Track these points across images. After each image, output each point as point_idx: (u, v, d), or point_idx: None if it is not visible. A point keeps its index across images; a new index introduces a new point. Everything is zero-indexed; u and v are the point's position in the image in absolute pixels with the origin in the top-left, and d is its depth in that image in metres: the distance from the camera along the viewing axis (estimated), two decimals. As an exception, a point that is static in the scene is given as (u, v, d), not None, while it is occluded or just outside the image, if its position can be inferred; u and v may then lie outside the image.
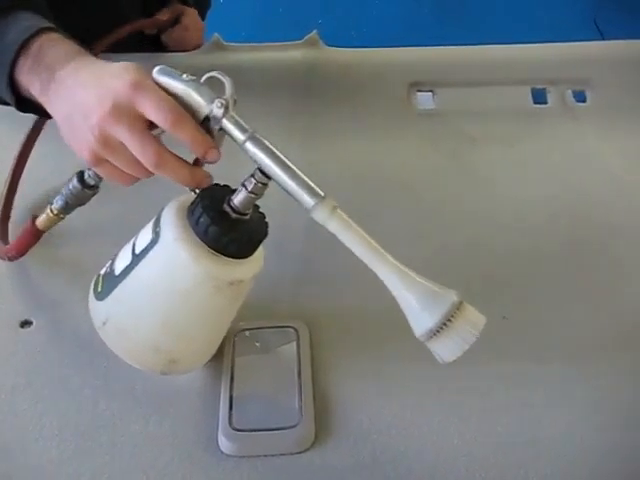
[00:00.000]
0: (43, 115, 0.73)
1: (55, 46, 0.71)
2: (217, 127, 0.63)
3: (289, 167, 0.62)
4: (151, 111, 0.62)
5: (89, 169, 0.72)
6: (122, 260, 0.67)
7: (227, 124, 0.63)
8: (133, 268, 0.65)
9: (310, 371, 0.74)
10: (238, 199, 0.64)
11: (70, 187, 0.73)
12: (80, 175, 0.73)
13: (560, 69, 1.16)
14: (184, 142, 0.63)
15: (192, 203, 0.64)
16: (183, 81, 0.63)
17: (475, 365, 0.75)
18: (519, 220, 0.94)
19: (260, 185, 0.63)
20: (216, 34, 1.13)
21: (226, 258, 0.63)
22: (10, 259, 0.84)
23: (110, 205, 0.95)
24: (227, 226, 0.63)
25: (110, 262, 0.69)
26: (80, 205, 0.76)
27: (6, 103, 0.77)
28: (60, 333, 0.80)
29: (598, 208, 0.97)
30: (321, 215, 0.61)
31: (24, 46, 0.71)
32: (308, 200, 0.61)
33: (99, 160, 0.65)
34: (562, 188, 1.00)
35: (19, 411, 0.72)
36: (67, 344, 0.79)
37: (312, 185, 0.62)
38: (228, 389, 0.72)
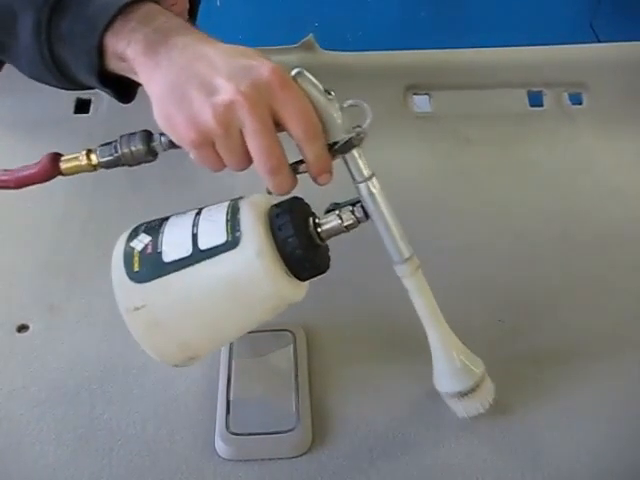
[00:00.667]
0: (120, 93, 0.67)
1: (166, 15, 0.62)
2: (340, 155, 0.61)
3: (393, 218, 0.64)
4: (292, 115, 0.57)
5: (163, 134, 0.62)
6: (176, 247, 0.60)
7: (354, 157, 0.61)
8: (194, 263, 0.59)
9: (307, 375, 0.74)
10: (328, 228, 0.63)
11: (131, 146, 0.63)
12: (147, 137, 0.63)
13: (556, 72, 1.17)
14: (305, 157, 0.59)
15: (277, 215, 0.61)
16: (326, 97, 0.59)
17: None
18: (515, 222, 0.95)
19: (356, 223, 0.63)
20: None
21: (295, 280, 0.62)
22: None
23: (106, 209, 0.96)
24: (310, 252, 0.61)
25: (149, 239, 0.62)
26: (128, 166, 0.65)
27: (67, 86, 0.69)
28: (57, 338, 0.80)
29: (594, 210, 0.98)
30: (405, 271, 0.65)
31: (123, 11, 0.61)
32: (398, 254, 0.64)
33: (205, 142, 0.58)
34: (558, 190, 1.00)
35: (16, 415, 0.72)
36: (64, 348, 0.78)
37: (405, 241, 0.64)
38: (225, 393, 0.72)
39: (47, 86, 0.81)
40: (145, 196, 0.97)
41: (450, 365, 0.69)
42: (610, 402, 0.74)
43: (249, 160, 0.58)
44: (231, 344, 0.76)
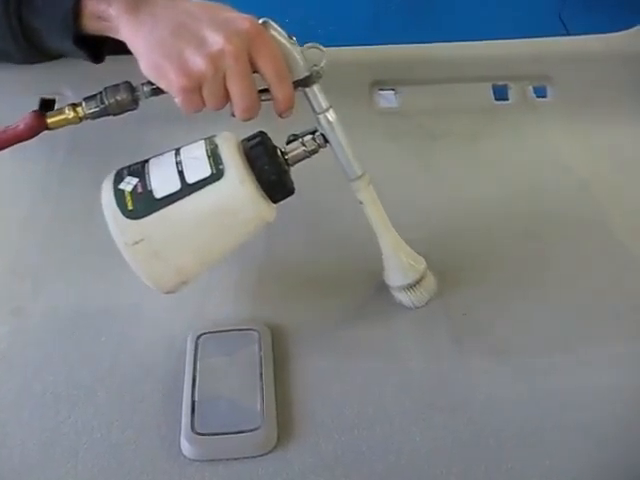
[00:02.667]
0: (94, 53, 0.75)
1: None
2: (301, 90, 0.71)
3: (348, 143, 0.75)
4: (266, 60, 0.66)
5: (145, 84, 0.70)
6: (164, 184, 0.68)
7: (315, 92, 0.72)
8: (184, 196, 0.67)
9: (272, 373, 0.74)
10: (293, 155, 0.73)
11: (117, 96, 0.70)
12: (130, 88, 0.70)
13: (521, 65, 1.17)
14: (275, 96, 0.68)
15: (252, 147, 0.70)
16: (289, 42, 0.69)
17: (436, 362, 0.77)
18: (480, 217, 0.95)
19: (317, 148, 0.73)
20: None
21: (270, 202, 0.72)
22: None
23: (71, 211, 0.95)
24: (282, 177, 0.71)
25: (137, 180, 0.69)
26: (113, 115, 0.72)
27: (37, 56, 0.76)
28: (22, 341, 0.79)
29: (559, 204, 0.98)
30: (359, 186, 0.76)
31: None
32: (352, 171, 0.76)
33: (195, 87, 0.66)
34: (523, 184, 1.01)
35: (-20, 421, 0.72)
36: (29, 352, 0.78)
37: (358, 162, 0.76)
38: (190, 393, 0.72)
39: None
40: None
41: (398, 263, 0.81)
42: (573, 394, 0.75)
43: (227, 101, 0.67)
44: (196, 343, 0.76)
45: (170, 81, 0.66)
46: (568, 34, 2.58)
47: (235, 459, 0.68)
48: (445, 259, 0.88)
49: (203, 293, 0.84)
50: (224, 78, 0.65)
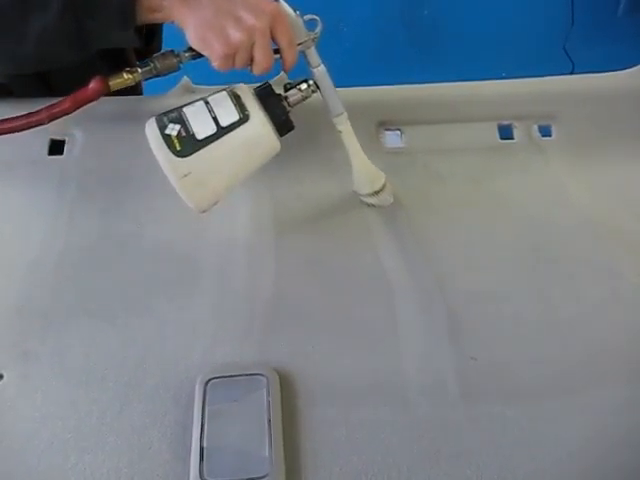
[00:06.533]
0: (139, 41, 0.94)
1: None
2: (300, 51, 0.91)
3: (334, 89, 0.95)
4: (283, 34, 0.87)
5: (186, 51, 0.90)
6: (203, 128, 0.86)
7: (311, 51, 0.92)
8: (220, 137, 0.86)
9: (280, 419, 0.74)
10: (294, 99, 0.92)
11: (165, 61, 0.90)
12: (174, 54, 0.90)
13: (526, 104, 1.18)
14: (284, 57, 0.89)
15: (266, 95, 0.89)
16: (295, 14, 0.89)
17: (444, 408, 0.77)
18: (486, 257, 0.96)
19: (310, 94, 0.93)
20: (185, 77, 1.14)
21: (279, 136, 0.90)
22: (55, 115, 0.91)
23: (80, 252, 0.95)
24: (288, 117, 0.91)
25: (179, 126, 0.85)
26: (162, 76, 0.92)
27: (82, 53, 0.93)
28: (31, 386, 0.79)
29: (565, 243, 0.98)
30: (340, 120, 0.97)
31: None
32: (336, 110, 0.97)
33: (232, 54, 0.85)
34: (529, 224, 1.01)
35: (-12, 467, 0.72)
36: (37, 397, 0.78)
37: (340, 102, 0.96)
38: (199, 440, 0.72)
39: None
40: (119, 236, 0.97)
41: (366, 176, 1.02)
42: (582, 438, 0.75)
43: (251, 62, 0.88)
44: (205, 389, 0.76)
45: (214, 49, 0.85)
46: (573, 66, 2.60)
47: (243, 507, 0.68)
48: (450, 301, 0.89)
49: (211, 338, 0.84)
50: (252, 47, 0.85)
